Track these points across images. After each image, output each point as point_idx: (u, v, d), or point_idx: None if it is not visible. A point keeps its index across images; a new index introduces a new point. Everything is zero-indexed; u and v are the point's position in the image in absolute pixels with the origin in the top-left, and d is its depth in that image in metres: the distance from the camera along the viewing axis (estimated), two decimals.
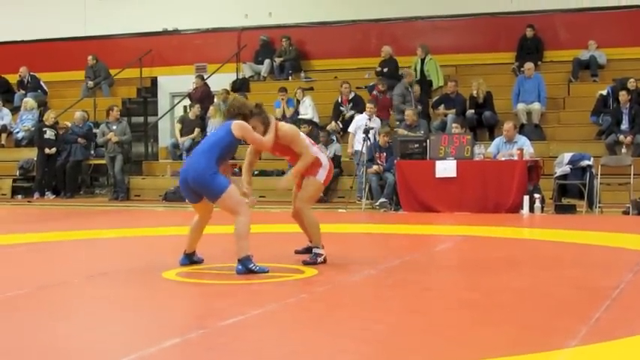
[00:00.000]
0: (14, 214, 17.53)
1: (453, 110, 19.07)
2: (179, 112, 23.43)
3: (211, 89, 22.48)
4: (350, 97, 20.04)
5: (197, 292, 7.72)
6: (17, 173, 21.48)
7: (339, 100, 20.13)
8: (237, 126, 8.31)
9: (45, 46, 25.41)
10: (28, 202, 20.06)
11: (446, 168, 15.49)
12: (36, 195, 20.54)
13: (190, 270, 8.57)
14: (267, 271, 8.21)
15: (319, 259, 8.83)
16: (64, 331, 6.06)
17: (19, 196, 20.87)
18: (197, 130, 20.62)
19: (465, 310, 6.70)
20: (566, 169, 15.54)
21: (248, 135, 8.37)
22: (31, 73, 24.42)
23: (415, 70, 20.85)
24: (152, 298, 7.34)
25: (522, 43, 21.20)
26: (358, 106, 19.55)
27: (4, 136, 22.99)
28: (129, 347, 5.47)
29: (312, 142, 9.13)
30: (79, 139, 20.67)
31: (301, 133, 9.04)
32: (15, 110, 23.51)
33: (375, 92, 19.32)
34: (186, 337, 5.74)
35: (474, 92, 19.00)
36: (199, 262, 8.84)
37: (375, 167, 16.62)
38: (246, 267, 8.15)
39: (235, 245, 8.20)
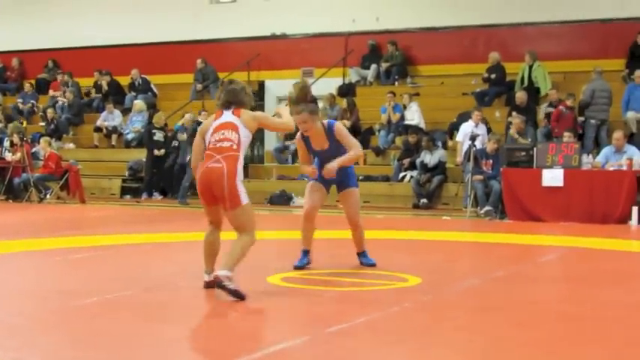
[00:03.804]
0: (123, 214, 17.89)
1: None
2: None
3: (313, 94, 22.59)
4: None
5: (301, 298, 7.76)
6: (126, 174, 21.94)
7: None
8: None
9: (155, 49, 25.95)
10: (137, 202, 20.47)
11: (553, 177, 15.31)
12: (144, 195, 20.95)
13: (295, 275, 8.65)
14: None
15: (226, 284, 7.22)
16: (169, 335, 6.17)
17: (128, 196, 21.33)
18: None
19: (570, 324, 6.61)
20: None
21: None
22: (142, 76, 24.93)
23: (523, 76, 20.64)
24: (256, 303, 7.41)
25: (633, 50, 20.79)
26: None
27: (114, 137, 23.56)
28: (231, 353, 5.54)
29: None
30: (179, 136, 20.87)
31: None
32: (126, 112, 24.04)
33: (561, 107, 18.47)
34: (290, 343, 5.79)
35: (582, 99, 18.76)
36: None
37: (477, 176, 16.47)
38: None
39: None
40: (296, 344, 5.77)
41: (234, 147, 7.49)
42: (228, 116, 7.66)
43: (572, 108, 18.36)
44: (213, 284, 7.43)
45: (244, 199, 7.43)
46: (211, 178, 7.42)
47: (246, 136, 7.59)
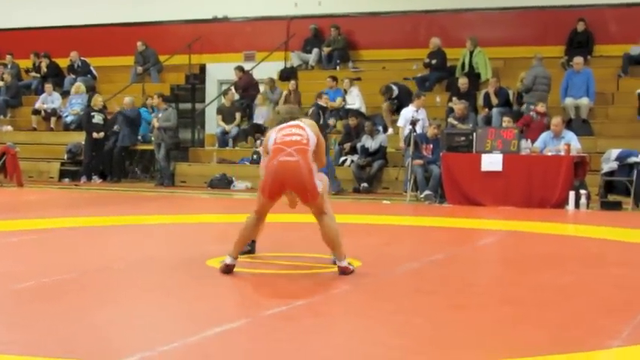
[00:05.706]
0: (61, 197, 17.71)
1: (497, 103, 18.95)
2: None
3: (255, 77, 22.56)
4: None
5: (241, 281, 7.75)
6: (65, 157, 21.70)
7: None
8: None
9: (95, 31, 25.61)
10: (75, 185, 20.26)
11: (492, 162, 15.42)
12: (83, 179, 20.74)
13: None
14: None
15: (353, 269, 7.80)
16: (107, 317, 6.13)
17: (67, 180, 21.11)
18: (238, 115, 20.94)
19: (507, 306, 6.69)
20: (614, 165, 15.46)
21: None
22: (82, 58, 24.66)
23: (463, 62, 20.77)
24: (196, 287, 7.39)
25: (572, 37, 21.02)
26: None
27: (53, 119, 23.25)
28: (171, 335, 5.53)
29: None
30: (116, 127, 20.92)
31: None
32: (65, 94, 23.76)
33: (531, 114, 17.58)
34: (229, 326, 5.79)
35: (520, 85, 18.92)
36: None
37: (417, 161, 16.53)
38: None
39: None
40: (234, 327, 5.77)
41: (304, 141, 7.56)
42: (292, 123, 7.78)
43: (545, 114, 17.41)
44: (230, 269, 7.66)
45: (320, 189, 7.60)
46: (286, 172, 7.44)
47: (312, 138, 7.63)
